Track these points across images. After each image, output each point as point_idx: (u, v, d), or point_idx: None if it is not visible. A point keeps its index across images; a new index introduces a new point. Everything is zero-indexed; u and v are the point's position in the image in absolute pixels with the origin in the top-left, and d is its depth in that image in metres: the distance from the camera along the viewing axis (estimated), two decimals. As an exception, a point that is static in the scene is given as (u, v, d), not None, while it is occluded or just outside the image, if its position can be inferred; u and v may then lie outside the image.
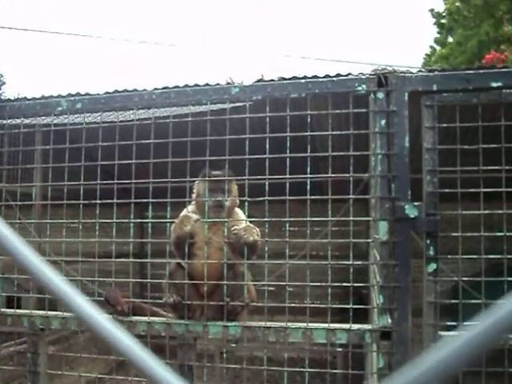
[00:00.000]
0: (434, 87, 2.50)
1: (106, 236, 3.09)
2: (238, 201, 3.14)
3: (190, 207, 3.17)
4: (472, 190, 2.44)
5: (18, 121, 3.10)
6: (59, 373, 3.37)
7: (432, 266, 2.43)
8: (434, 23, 19.01)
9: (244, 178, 2.66)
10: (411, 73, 2.68)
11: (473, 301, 2.52)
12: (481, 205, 2.47)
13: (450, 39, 18.54)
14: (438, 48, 19.59)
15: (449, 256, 2.54)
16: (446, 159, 2.55)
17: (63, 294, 0.47)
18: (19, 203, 3.23)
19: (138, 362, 0.42)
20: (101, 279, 3.07)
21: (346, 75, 3.07)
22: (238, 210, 3.18)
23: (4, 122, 3.11)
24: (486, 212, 2.49)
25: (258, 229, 2.96)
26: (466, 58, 16.82)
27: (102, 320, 0.45)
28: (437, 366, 0.38)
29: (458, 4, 17.70)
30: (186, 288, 2.85)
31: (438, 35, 19.34)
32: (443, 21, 18.62)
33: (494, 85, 2.43)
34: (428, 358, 0.38)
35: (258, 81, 2.90)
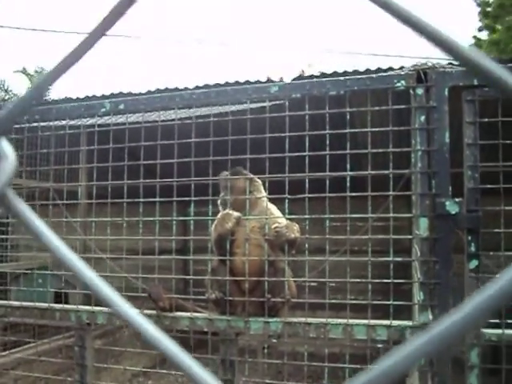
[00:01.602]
0: (475, 81, 2.47)
1: (150, 233, 3.15)
2: (257, 195, 3.15)
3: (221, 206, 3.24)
4: (512, 185, 2.40)
5: (64, 122, 3.20)
6: (105, 366, 3.47)
7: (474, 263, 2.41)
8: (479, 12, 18.44)
9: (284, 175, 2.68)
10: (453, 66, 2.65)
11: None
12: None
13: (498, 27, 17.93)
14: (482, 38, 19.00)
15: (491, 253, 2.50)
16: (490, 154, 2.51)
17: (101, 291, 0.50)
18: (66, 202, 3.33)
19: (174, 359, 0.46)
20: (144, 276, 3.13)
21: (386, 70, 3.04)
22: (270, 206, 3.19)
23: (51, 123, 3.22)
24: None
25: (297, 225, 2.98)
26: None
27: (136, 315, 0.48)
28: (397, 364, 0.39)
29: None
30: (228, 284, 2.89)
31: (481, 24, 18.76)
32: (489, 9, 18.03)
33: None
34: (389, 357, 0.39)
35: (298, 78, 2.92)
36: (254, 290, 2.89)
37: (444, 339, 0.38)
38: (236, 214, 3.05)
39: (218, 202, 3.21)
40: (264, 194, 3.19)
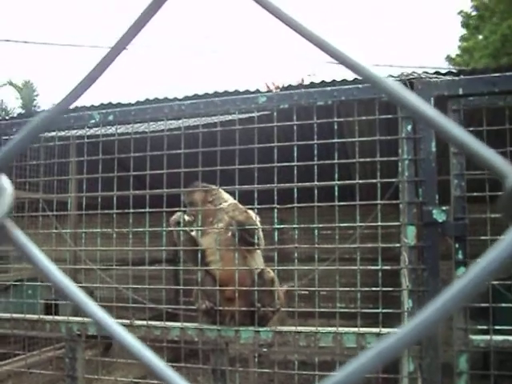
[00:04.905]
0: (460, 91, 2.50)
1: (141, 242, 3.16)
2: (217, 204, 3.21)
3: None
4: (500, 193, 2.43)
5: (53, 133, 3.21)
6: (96, 377, 3.46)
7: (461, 270, 2.43)
8: (461, 22, 18.72)
9: (273, 185, 2.70)
10: (439, 74, 2.68)
11: (503, 304, 2.51)
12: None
13: (480, 37, 18.23)
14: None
15: (478, 260, 2.53)
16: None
17: (78, 300, 0.53)
18: (55, 213, 3.33)
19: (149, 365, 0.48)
20: (134, 286, 3.14)
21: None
22: (223, 195, 3.28)
23: (40, 134, 3.22)
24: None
25: (251, 212, 3.03)
26: (489, 52, 16.51)
27: (115, 325, 0.51)
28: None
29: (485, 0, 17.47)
30: (217, 294, 2.90)
31: (464, 34, 19.06)
32: (470, 21, 18.35)
33: (521, 87, 2.42)
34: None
35: (286, 88, 2.94)
36: (238, 296, 2.89)
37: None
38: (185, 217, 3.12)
39: (174, 218, 3.21)
40: (230, 199, 3.22)
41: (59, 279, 0.54)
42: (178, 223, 3.10)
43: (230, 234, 3.01)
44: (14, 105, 24.17)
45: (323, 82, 5.06)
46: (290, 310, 2.94)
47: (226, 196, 3.25)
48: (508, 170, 0.42)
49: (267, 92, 4.21)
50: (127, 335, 0.50)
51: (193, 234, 3.17)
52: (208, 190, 3.22)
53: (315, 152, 2.64)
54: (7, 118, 7.26)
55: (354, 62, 0.48)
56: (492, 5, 16.92)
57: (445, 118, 0.46)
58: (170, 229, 3.11)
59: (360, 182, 2.60)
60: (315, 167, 2.63)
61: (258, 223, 3.04)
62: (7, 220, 0.56)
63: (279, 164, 2.68)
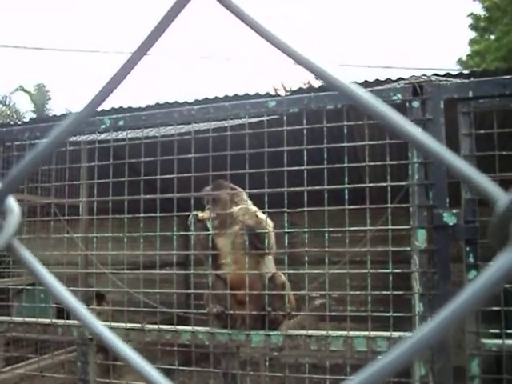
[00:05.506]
0: (470, 94, 2.50)
1: (152, 246, 3.17)
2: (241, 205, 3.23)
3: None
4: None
5: (65, 138, 3.23)
6: (108, 381, 3.47)
7: (472, 273, 2.42)
8: (470, 25, 18.54)
9: (283, 189, 2.71)
10: (449, 76, 2.67)
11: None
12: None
13: (492, 37, 18.07)
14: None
15: (490, 263, 2.52)
16: (490, 164, 2.52)
17: (70, 305, 0.56)
18: (67, 218, 3.36)
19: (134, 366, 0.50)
20: (146, 290, 3.15)
21: (383, 82, 3.06)
22: (245, 197, 3.29)
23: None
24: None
25: (263, 216, 3.02)
26: (502, 54, 16.35)
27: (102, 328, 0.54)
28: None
29: (495, 0, 17.32)
30: (228, 298, 2.91)
31: (474, 36, 18.89)
32: (480, 23, 18.21)
33: (532, 89, 2.41)
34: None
35: (296, 92, 2.94)
36: (250, 300, 2.89)
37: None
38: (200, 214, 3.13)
39: (189, 219, 3.21)
40: (248, 201, 3.23)
41: (61, 293, 0.57)
42: (197, 219, 3.12)
43: (245, 237, 3.02)
44: (27, 108, 24.35)
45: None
46: (302, 313, 2.94)
47: (245, 197, 3.26)
48: (498, 194, 0.42)
49: (277, 96, 4.21)
50: (118, 341, 0.51)
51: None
52: (235, 191, 3.23)
53: (325, 156, 2.64)
54: (19, 122, 7.33)
55: (319, 68, 0.49)
56: (504, 5, 16.78)
57: (415, 127, 0.46)
58: (181, 233, 3.12)
59: (370, 185, 2.60)
60: (325, 171, 2.63)
61: (270, 227, 3.04)
62: (15, 240, 0.60)
63: (289, 168, 2.68)
